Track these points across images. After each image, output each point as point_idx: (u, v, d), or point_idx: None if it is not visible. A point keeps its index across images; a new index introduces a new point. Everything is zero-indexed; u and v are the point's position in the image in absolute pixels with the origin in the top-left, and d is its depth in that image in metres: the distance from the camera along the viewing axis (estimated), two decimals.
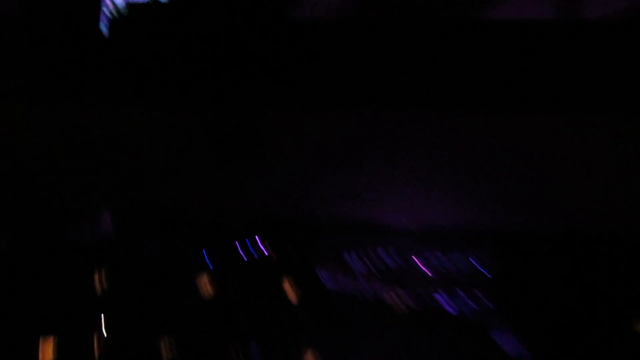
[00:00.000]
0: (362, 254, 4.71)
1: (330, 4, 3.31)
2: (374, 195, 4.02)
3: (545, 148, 3.49)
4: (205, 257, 4.92)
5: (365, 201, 4.05)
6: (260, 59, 3.31)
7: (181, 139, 3.67)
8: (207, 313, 4.90)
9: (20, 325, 4.89)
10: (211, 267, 4.90)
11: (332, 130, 3.69)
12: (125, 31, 3.50)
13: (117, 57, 3.55)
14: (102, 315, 4.94)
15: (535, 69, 3.29)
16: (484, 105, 3.36)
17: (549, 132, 3.45)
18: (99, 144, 3.73)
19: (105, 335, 4.91)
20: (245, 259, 4.90)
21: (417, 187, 3.93)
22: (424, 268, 4.56)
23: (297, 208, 4.27)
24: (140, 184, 4.20)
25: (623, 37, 3.11)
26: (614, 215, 3.84)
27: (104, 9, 3.42)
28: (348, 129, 3.67)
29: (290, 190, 4.04)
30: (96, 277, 4.92)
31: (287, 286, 4.96)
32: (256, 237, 4.97)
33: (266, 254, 4.85)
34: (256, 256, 4.89)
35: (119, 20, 3.51)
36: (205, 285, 4.91)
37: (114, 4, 3.47)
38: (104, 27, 3.54)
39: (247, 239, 4.90)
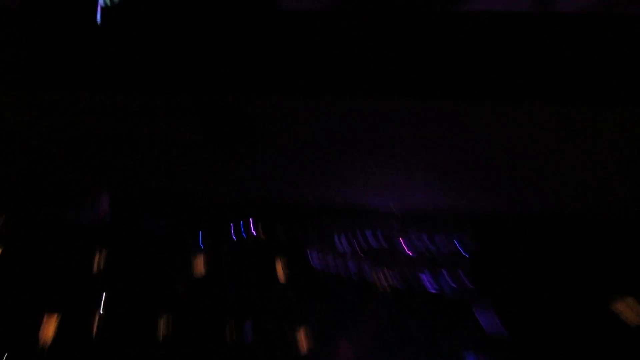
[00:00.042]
0: (350, 236, 4.89)
1: None
2: (360, 180, 4.18)
3: (522, 136, 3.64)
4: (200, 238, 5.08)
5: (353, 186, 4.22)
6: (252, 49, 3.42)
7: (177, 126, 3.78)
8: (202, 291, 5.09)
9: (22, 303, 5.06)
10: (202, 247, 5.08)
11: (321, 118, 3.81)
12: (119, 20, 3.59)
13: (113, 45, 3.64)
14: (101, 292, 5.12)
15: (515, 60, 3.41)
16: (466, 94, 3.48)
17: (527, 121, 3.59)
18: (98, 129, 3.84)
19: (104, 312, 5.10)
20: (238, 240, 5.07)
21: (402, 172, 4.09)
22: (408, 249, 4.75)
23: (287, 192, 4.44)
24: (138, 168, 4.33)
25: (598, 30, 3.24)
26: (588, 199, 4.03)
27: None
28: (336, 116, 3.79)
29: (280, 175, 4.19)
30: (95, 256, 5.08)
31: (279, 266, 5.16)
32: (250, 219, 5.13)
33: (255, 234, 5.02)
34: (248, 236, 5.06)
35: (113, 9, 3.59)
36: (200, 264, 5.09)
37: None
38: (99, 16, 3.62)
39: (239, 221, 5.06)
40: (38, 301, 5.10)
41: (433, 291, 4.78)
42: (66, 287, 5.12)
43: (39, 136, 4.02)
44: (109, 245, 5.05)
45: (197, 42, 3.50)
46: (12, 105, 3.79)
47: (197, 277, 5.07)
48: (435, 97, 3.50)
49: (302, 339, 4.98)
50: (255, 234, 5.09)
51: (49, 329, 5.05)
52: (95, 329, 5.07)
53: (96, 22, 3.53)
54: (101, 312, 5.07)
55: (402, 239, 4.73)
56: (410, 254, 4.76)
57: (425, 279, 4.80)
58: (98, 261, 5.08)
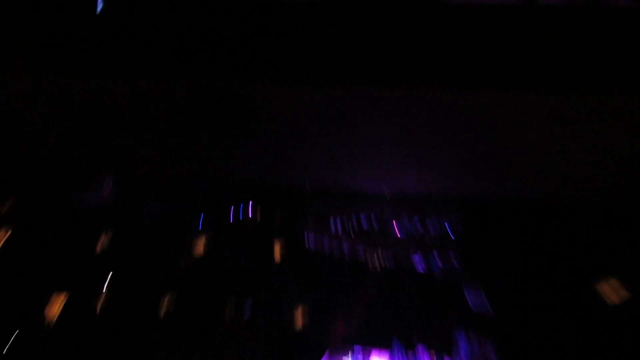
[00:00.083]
0: (344, 218, 5.02)
1: None
2: (354, 166, 4.30)
3: (510, 124, 3.74)
4: (200, 220, 5.18)
5: (347, 171, 4.33)
6: (249, 39, 3.50)
7: (178, 112, 3.86)
8: (202, 271, 5.21)
9: (27, 282, 5.17)
10: (202, 229, 5.18)
11: (316, 106, 3.89)
12: (120, 9, 3.63)
13: (114, 33, 3.69)
14: (105, 272, 5.23)
15: (502, 50, 3.48)
16: (455, 84, 3.57)
17: (514, 109, 3.69)
18: (102, 115, 3.93)
19: (108, 290, 5.21)
20: (236, 222, 5.18)
21: (395, 157, 4.20)
22: (399, 231, 4.88)
23: (283, 176, 4.55)
24: (141, 153, 4.43)
25: (581, 21, 3.32)
26: (573, 185, 4.17)
27: None
28: (331, 103, 3.87)
29: (277, 160, 4.30)
30: (99, 237, 5.18)
31: (276, 247, 5.29)
32: (248, 203, 5.24)
33: (251, 216, 5.11)
34: (246, 219, 5.17)
35: None
36: (200, 245, 5.20)
37: None
38: (99, 5, 3.65)
39: (238, 204, 5.16)
40: (45, 280, 5.21)
41: (423, 272, 4.94)
42: (72, 267, 5.23)
43: (45, 122, 4.10)
44: (113, 227, 5.14)
45: (199, 31, 3.58)
46: (19, 92, 3.88)
47: (197, 258, 5.19)
48: (426, 86, 3.60)
49: (298, 316, 5.14)
50: (253, 217, 5.21)
51: (55, 307, 5.17)
52: (99, 307, 5.20)
53: (96, 11, 3.56)
54: (104, 290, 5.18)
55: (394, 221, 4.85)
56: (402, 236, 4.89)
57: (416, 259, 4.95)
58: (102, 242, 5.18)
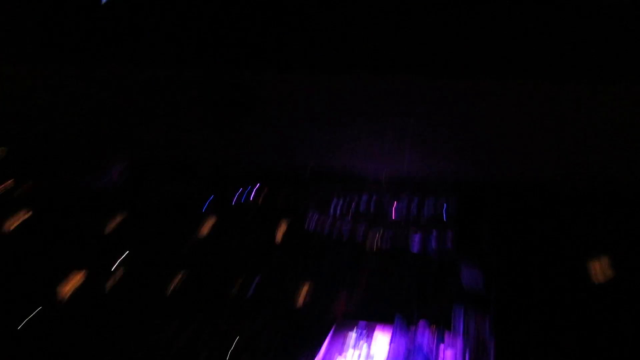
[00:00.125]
0: (345, 200, 5.15)
1: None
2: (355, 149, 4.44)
3: (504, 110, 3.85)
4: (207, 202, 5.33)
5: (348, 154, 4.48)
6: (255, 28, 3.59)
7: (187, 99, 3.99)
8: (209, 250, 5.38)
9: (44, 261, 5.37)
10: (209, 210, 5.31)
11: (317, 91, 4.00)
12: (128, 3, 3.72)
13: (125, 23, 3.78)
14: (116, 251, 5.40)
15: (498, 38, 3.56)
16: (453, 70, 3.65)
17: (509, 96, 3.78)
18: (114, 101, 4.08)
19: (119, 268, 5.39)
20: (242, 204, 5.32)
21: (394, 141, 4.33)
22: (397, 212, 5.01)
23: (287, 160, 4.69)
24: (151, 138, 4.59)
25: (574, 8, 3.39)
26: (566, 167, 4.28)
27: None
28: (332, 89, 3.99)
29: (281, 144, 4.45)
30: (112, 218, 5.35)
31: (280, 227, 5.44)
32: (253, 185, 5.38)
33: (258, 199, 5.24)
34: (251, 201, 5.31)
35: None
36: (207, 226, 5.36)
37: None
38: None
39: (243, 187, 5.30)
40: (61, 259, 5.42)
41: (422, 251, 5.08)
42: (86, 245, 5.42)
43: (61, 110, 4.27)
44: (125, 208, 5.30)
45: (208, 22, 3.68)
46: (34, 80, 4.04)
47: (205, 238, 5.34)
48: (424, 74, 3.70)
49: (301, 293, 5.33)
50: (258, 199, 5.35)
51: (70, 284, 5.37)
52: (111, 285, 5.39)
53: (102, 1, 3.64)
54: (114, 269, 5.36)
55: (392, 203, 4.98)
56: (401, 217, 5.02)
57: (415, 239, 5.09)
58: (115, 222, 5.34)
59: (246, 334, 5.52)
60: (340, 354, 6.48)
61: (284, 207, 5.37)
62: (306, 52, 3.82)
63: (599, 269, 4.25)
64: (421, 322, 6.41)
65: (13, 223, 5.26)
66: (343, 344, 6.64)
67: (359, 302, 6.16)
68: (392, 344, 6.41)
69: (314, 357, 6.12)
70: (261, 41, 3.83)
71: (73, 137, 4.66)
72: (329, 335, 6.57)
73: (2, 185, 5.22)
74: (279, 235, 5.31)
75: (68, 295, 5.34)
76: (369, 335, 6.71)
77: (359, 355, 6.39)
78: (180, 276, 5.39)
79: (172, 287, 5.37)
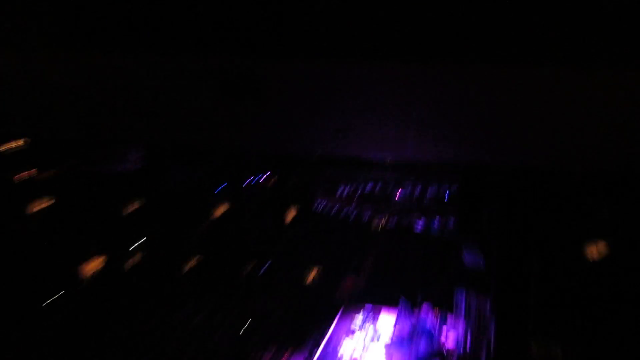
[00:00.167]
0: (351, 185, 5.32)
1: None
2: (361, 135, 4.59)
3: (504, 96, 3.97)
4: (220, 186, 5.54)
5: (354, 140, 4.63)
6: (263, 15, 3.76)
7: (199, 87, 4.17)
8: (221, 233, 5.61)
9: (67, 243, 5.63)
10: (221, 195, 5.50)
11: (324, 78, 4.15)
12: None
13: (139, 12, 3.96)
14: (134, 234, 5.65)
15: (498, 24, 3.67)
16: (457, 58, 3.77)
17: (509, 82, 3.90)
18: (132, 90, 4.28)
19: (137, 251, 5.64)
20: (253, 188, 5.53)
21: (399, 128, 4.48)
22: (401, 196, 5.18)
23: (295, 145, 4.85)
24: (166, 126, 4.79)
25: None
26: (565, 153, 4.39)
27: None
28: (339, 77, 4.14)
29: (289, 130, 4.61)
30: (130, 201, 5.57)
31: (290, 211, 5.65)
32: (263, 170, 5.58)
33: (268, 184, 5.42)
34: (262, 185, 5.51)
35: None
36: (220, 210, 5.59)
37: None
38: None
39: (254, 172, 5.49)
40: (83, 241, 5.69)
41: (426, 235, 5.25)
42: (105, 229, 5.68)
43: (80, 99, 4.49)
44: (143, 192, 5.53)
45: (216, 10, 3.85)
46: (55, 69, 4.24)
47: (217, 220, 5.57)
48: (429, 60, 3.82)
49: (310, 274, 5.55)
50: (268, 183, 5.55)
51: (92, 265, 5.63)
52: (130, 266, 5.65)
53: None
54: (132, 251, 5.60)
55: (396, 187, 5.13)
56: (405, 201, 5.19)
57: (419, 223, 5.26)
58: (133, 206, 5.57)
59: (257, 315, 5.78)
60: (347, 335, 6.73)
61: (293, 193, 5.54)
62: (315, 40, 3.97)
63: (596, 250, 4.39)
64: (424, 304, 6.62)
65: (36, 209, 5.52)
66: (350, 325, 6.89)
67: (365, 286, 6.35)
68: (397, 325, 6.64)
69: (323, 337, 6.37)
70: (271, 29, 3.99)
71: (92, 126, 4.87)
72: (337, 317, 6.81)
73: (26, 174, 5.47)
74: (289, 220, 5.49)
75: (89, 276, 5.63)
76: (375, 317, 6.95)
77: (366, 336, 6.63)
78: (195, 259, 5.62)
79: (188, 267, 5.61)
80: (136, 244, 5.70)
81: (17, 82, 4.27)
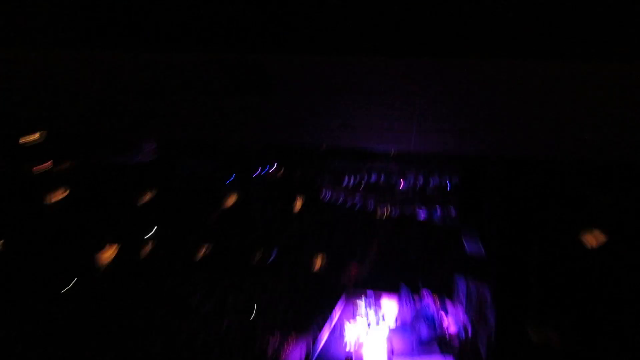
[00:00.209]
0: (356, 175, 5.48)
1: None
2: (366, 128, 4.75)
3: (505, 89, 4.14)
4: (231, 177, 5.69)
5: (359, 132, 4.80)
6: (271, 8, 3.90)
7: (210, 81, 4.31)
8: (232, 222, 5.78)
9: (82, 233, 5.78)
10: (231, 185, 5.64)
11: (330, 72, 4.29)
12: None
13: (148, 9, 4.09)
14: (147, 224, 5.82)
15: (501, 19, 3.82)
16: (457, 52, 3.93)
17: (510, 75, 4.07)
18: (144, 85, 4.41)
19: (150, 239, 5.82)
20: (262, 179, 5.68)
21: (403, 121, 4.65)
22: (405, 186, 5.34)
23: (302, 137, 5.00)
24: (178, 119, 4.93)
25: None
26: (563, 144, 4.58)
27: None
28: (344, 73, 4.31)
29: (296, 122, 4.77)
30: (143, 192, 5.72)
31: (297, 201, 5.81)
32: (271, 161, 5.73)
33: (277, 174, 5.57)
34: (271, 176, 5.67)
35: None
36: (231, 200, 5.75)
37: None
38: None
39: (263, 163, 5.65)
40: (97, 231, 5.85)
41: (427, 223, 5.42)
42: (119, 219, 5.85)
43: (94, 94, 4.62)
44: (155, 183, 5.68)
45: (225, 8, 3.99)
46: (69, 65, 4.36)
47: (228, 210, 5.73)
48: (431, 55, 3.98)
49: (317, 261, 5.73)
50: (277, 174, 5.71)
51: (107, 254, 5.78)
52: (143, 254, 5.81)
53: None
54: (146, 239, 5.75)
55: (400, 177, 5.30)
56: (408, 191, 5.35)
57: (420, 212, 5.43)
58: (146, 196, 5.73)
59: (265, 301, 5.96)
60: (350, 320, 6.94)
61: (300, 183, 5.69)
62: (322, 35, 4.11)
63: (593, 237, 4.58)
64: (424, 291, 6.83)
65: (53, 199, 5.66)
66: (353, 310, 7.11)
67: (368, 272, 6.54)
68: (398, 311, 6.85)
69: (326, 323, 6.57)
70: (280, 25, 4.13)
71: (106, 119, 5.01)
72: (340, 302, 7.02)
73: (42, 166, 5.60)
74: (296, 209, 5.64)
75: (105, 263, 5.81)
76: (377, 303, 7.17)
77: (368, 321, 6.85)
78: (205, 247, 5.78)
79: (199, 256, 5.77)
80: (150, 233, 5.83)
81: (39, 79, 4.41)
